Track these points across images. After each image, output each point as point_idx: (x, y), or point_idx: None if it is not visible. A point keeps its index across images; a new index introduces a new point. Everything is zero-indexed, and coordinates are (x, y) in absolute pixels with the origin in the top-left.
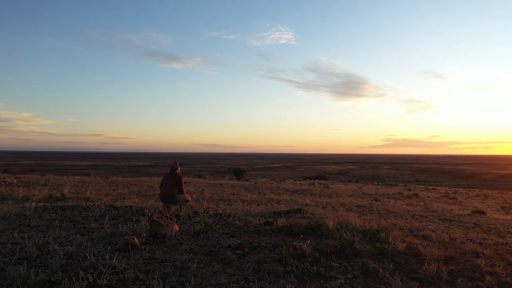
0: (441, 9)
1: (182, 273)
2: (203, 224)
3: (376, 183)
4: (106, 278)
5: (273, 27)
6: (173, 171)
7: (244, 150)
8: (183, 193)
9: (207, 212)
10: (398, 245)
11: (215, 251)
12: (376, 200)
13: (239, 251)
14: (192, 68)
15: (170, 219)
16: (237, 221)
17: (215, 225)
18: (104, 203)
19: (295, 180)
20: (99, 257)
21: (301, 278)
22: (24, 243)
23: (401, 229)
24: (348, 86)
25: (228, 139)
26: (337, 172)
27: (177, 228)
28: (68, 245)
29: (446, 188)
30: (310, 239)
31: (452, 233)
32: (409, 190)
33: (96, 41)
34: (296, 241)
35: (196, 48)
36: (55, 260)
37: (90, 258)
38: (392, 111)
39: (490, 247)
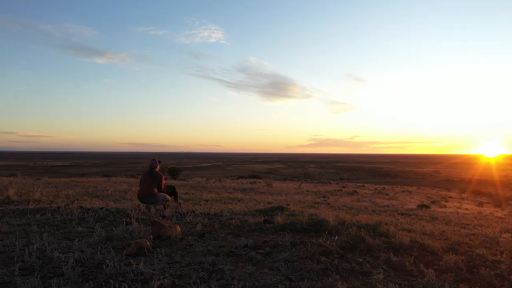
0: (361, 16)
1: (218, 276)
2: (200, 224)
3: (310, 181)
4: (143, 286)
5: (202, 25)
6: (152, 169)
7: (172, 149)
8: (162, 193)
9: (193, 212)
10: (403, 238)
11: (235, 251)
12: (325, 197)
13: (261, 251)
14: (117, 64)
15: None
16: (233, 221)
17: (216, 225)
18: (68, 205)
19: (232, 179)
20: (122, 263)
21: (340, 275)
22: (14, 251)
23: (387, 223)
24: (276, 87)
25: (156, 138)
26: (266, 171)
27: (179, 229)
28: (70, 252)
29: (372, 185)
30: (325, 236)
31: (424, 226)
32: (344, 187)
33: (9, 30)
34: (310, 238)
35: (122, 43)
36: (68, 269)
37: (112, 265)
38: (318, 112)
39: (470, 237)
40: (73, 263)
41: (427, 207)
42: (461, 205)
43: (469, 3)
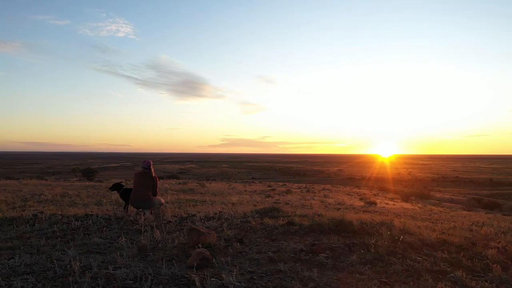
0: (271, 17)
1: (313, 284)
2: (227, 229)
3: (234, 180)
4: None
5: (109, 18)
6: (146, 170)
7: (74, 148)
8: (156, 196)
9: (194, 216)
10: (429, 235)
11: (296, 256)
12: (271, 196)
13: (323, 254)
14: (9, 54)
15: (163, 224)
16: (252, 223)
17: (248, 229)
18: (41, 213)
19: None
20: (208, 278)
21: (429, 274)
22: (51, 270)
23: (397, 221)
24: (188, 86)
25: (56, 136)
26: (178, 171)
27: (215, 235)
28: (121, 267)
29: (291, 184)
30: (365, 236)
31: (409, 223)
32: (269, 186)
33: None
34: (350, 239)
35: (15, 31)
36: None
37: (198, 281)
38: (230, 112)
39: (462, 231)
40: (150, 282)
41: (374, 204)
42: (384, 201)
43: (374, 4)
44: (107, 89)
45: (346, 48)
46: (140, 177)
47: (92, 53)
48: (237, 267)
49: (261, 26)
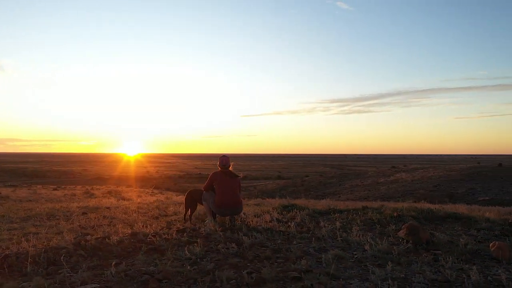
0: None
1: None
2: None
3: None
4: None
5: None
6: (227, 169)
7: None
8: None
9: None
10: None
11: None
12: (126, 199)
13: None
14: None
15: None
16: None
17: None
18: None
19: None
20: None
21: None
22: None
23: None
24: None
25: None
26: None
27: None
28: None
29: (44, 186)
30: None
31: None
32: (62, 189)
33: None
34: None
35: None
36: None
37: None
38: None
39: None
40: None
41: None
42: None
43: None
44: None
45: (94, 44)
46: (224, 178)
47: None
48: None
49: None
